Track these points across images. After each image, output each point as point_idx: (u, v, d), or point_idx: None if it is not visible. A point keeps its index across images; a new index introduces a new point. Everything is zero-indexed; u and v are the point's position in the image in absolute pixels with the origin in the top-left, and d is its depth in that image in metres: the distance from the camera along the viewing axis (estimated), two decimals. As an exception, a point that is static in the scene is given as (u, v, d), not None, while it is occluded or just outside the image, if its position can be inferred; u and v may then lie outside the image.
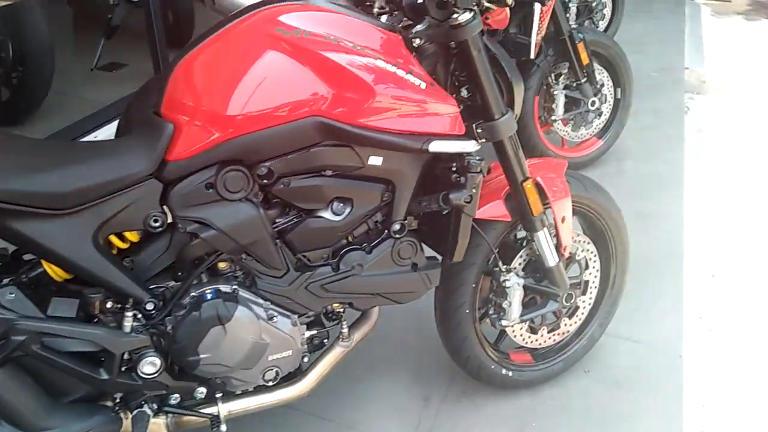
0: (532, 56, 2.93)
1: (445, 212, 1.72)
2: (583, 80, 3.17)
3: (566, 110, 3.26)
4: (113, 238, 1.53)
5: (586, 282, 2.11)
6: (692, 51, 5.01)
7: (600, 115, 3.35)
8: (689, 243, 2.99)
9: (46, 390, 1.47)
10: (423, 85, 1.54)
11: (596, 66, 3.25)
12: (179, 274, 1.59)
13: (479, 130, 1.69)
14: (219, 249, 1.56)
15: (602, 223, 2.08)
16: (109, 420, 1.54)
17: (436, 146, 1.56)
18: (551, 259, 1.93)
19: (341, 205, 1.61)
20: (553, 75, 3.17)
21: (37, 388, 1.44)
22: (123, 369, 1.52)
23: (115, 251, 1.55)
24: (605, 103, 3.34)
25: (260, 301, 1.63)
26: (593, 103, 3.27)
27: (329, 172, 1.56)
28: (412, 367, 2.30)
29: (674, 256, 2.88)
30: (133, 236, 1.55)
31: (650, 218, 3.12)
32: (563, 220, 1.91)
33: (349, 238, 1.70)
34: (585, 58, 3.11)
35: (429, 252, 1.82)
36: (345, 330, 1.81)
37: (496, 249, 1.91)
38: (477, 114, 1.70)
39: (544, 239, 1.89)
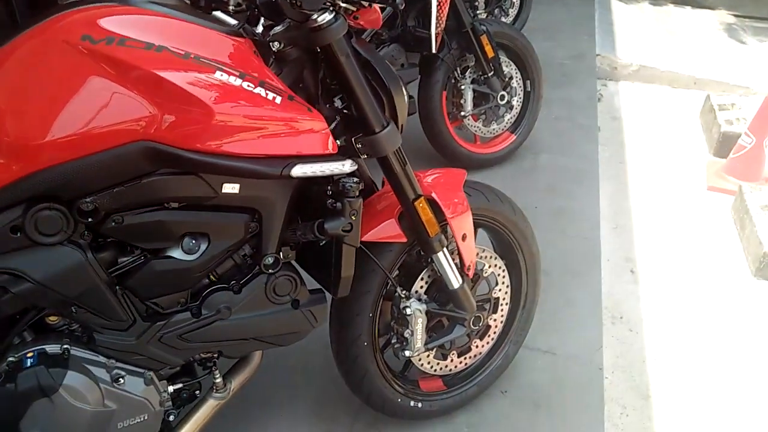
0: (434, 50, 2.73)
1: (324, 242, 1.48)
2: (490, 74, 3.00)
3: (476, 105, 3.08)
4: None
5: (496, 299, 1.92)
6: (603, 37, 4.96)
7: (511, 108, 3.19)
8: (606, 239, 2.87)
9: None
10: (278, 99, 1.28)
11: (503, 58, 3.09)
12: None
13: (359, 145, 1.46)
14: (38, 304, 1.27)
15: (509, 235, 1.90)
16: None
17: (299, 170, 1.31)
18: (454, 281, 1.72)
19: (194, 241, 1.34)
20: (459, 69, 2.98)
21: None
22: None
23: None
24: (515, 96, 3.18)
25: (101, 359, 1.34)
26: (502, 96, 3.10)
27: (174, 204, 1.29)
28: (313, 399, 2.05)
29: (592, 255, 2.76)
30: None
31: (566, 215, 2.99)
32: (464, 237, 1.70)
33: (212, 276, 1.44)
34: (490, 51, 2.94)
35: (313, 283, 1.58)
36: (219, 380, 1.55)
37: (393, 273, 1.69)
38: (356, 127, 1.47)
39: (444, 260, 1.69)
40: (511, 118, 3.24)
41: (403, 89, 1.52)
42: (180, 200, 1.29)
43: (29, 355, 1.27)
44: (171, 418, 1.47)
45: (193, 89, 1.20)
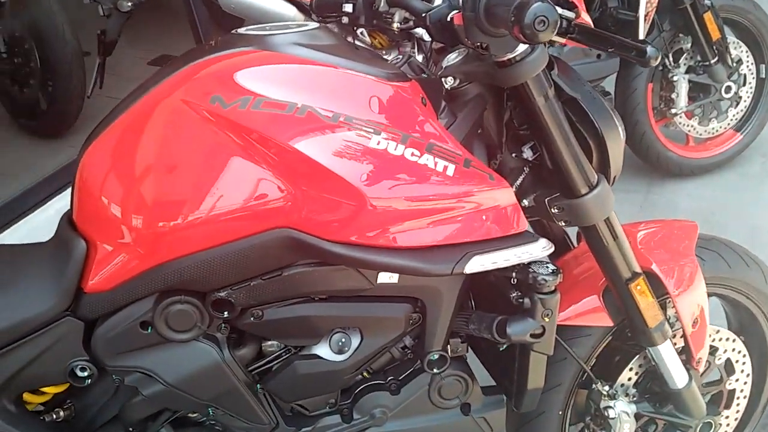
0: (642, 35, 2.20)
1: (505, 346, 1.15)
2: (712, 60, 2.37)
3: (691, 99, 2.49)
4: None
5: (731, 392, 1.46)
6: None
7: (738, 102, 2.55)
8: None
9: None
10: (451, 169, 0.96)
11: (731, 39, 2.44)
12: (131, 430, 1.15)
13: (555, 210, 1.09)
14: (171, 407, 1.10)
15: (754, 307, 1.42)
16: None
17: (477, 264, 0.98)
18: (678, 379, 1.30)
19: (344, 339, 1.09)
20: (671, 56, 2.41)
21: None
22: None
23: (47, 397, 1.13)
24: (745, 86, 2.52)
25: (242, 466, 1.16)
26: (728, 88, 2.47)
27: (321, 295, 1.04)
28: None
29: None
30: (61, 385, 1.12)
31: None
32: (696, 323, 1.27)
33: (365, 373, 1.18)
34: (715, 32, 2.32)
35: (488, 378, 1.26)
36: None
37: (590, 362, 1.31)
38: (550, 182, 1.10)
39: (666, 354, 1.27)
40: (737, 113, 2.59)
41: (620, 131, 1.12)
42: (327, 293, 1.04)
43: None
44: None
45: (342, 169, 0.92)
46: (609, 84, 2.45)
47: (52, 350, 1.03)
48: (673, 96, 2.46)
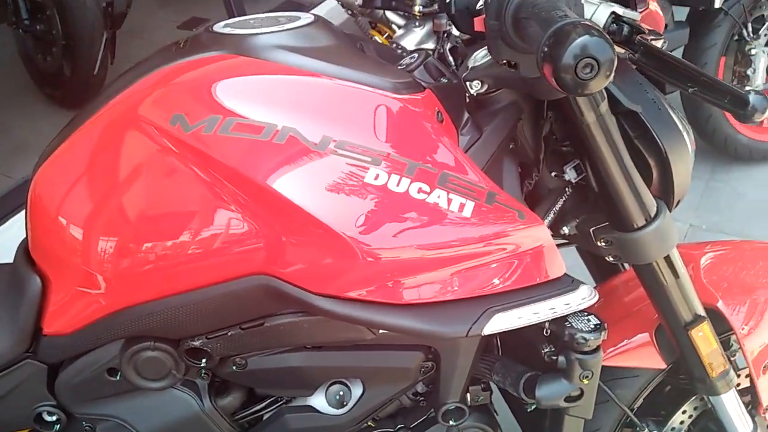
0: (718, 4, 1.91)
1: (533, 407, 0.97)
2: (800, 30, 2.07)
3: (769, 75, 2.19)
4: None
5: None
6: None
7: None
8: None
9: None
10: (469, 208, 0.77)
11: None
12: None
13: (603, 243, 0.90)
14: None
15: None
16: None
17: (496, 324, 0.80)
18: (740, 428, 1.11)
19: (343, 391, 0.93)
20: (749, 25, 2.09)
21: None
22: None
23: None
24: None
25: None
26: (817, 63, 2.16)
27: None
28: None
29: None
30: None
31: None
32: (765, 369, 1.06)
33: (371, 422, 1.03)
34: (805, -3, 2.01)
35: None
36: None
37: (636, 405, 1.13)
38: (597, 208, 0.91)
39: (729, 404, 1.07)
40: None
41: (690, 147, 0.91)
42: (323, 344, 0.88)
43: None
44: None
45: (329, 215, 0.74)
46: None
47: (16, 393, 0.91)
48: (749, 72, 2.17)
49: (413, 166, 0.76)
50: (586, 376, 0.88)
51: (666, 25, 2.00)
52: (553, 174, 0.94)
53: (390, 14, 1.17)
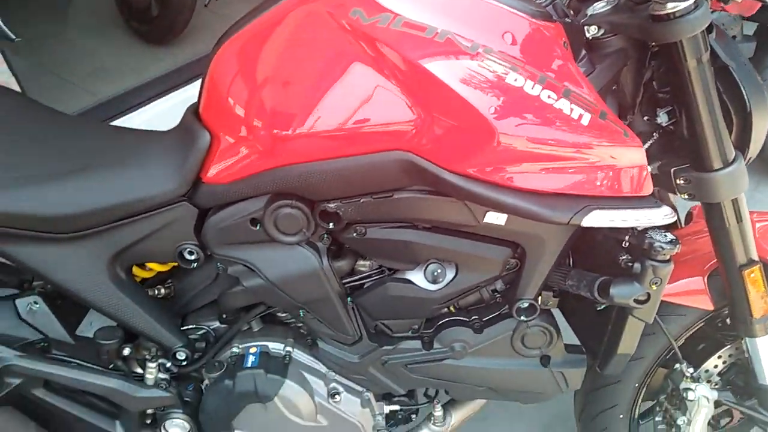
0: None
1: (603, 306, 1.13)
2: None
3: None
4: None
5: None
6: None
7: None
8: None
9: (57, 432, 1.23)
10: (586, 118, 0.93)
11: None
12: (224, 316, 1.23)
13: (680, 181, 1.04)
14: (267, 302, 1.16)
15: None
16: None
17: (595, 219, 0.96)
18: (770, 375, 1.25)
19: (439, 270, 1.10)
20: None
21: (41, 434, 1.20)
22: (147, 422, 1.23)
23: (152, 273, 1.22)
24: None
25: (322, 369, 1.22)
26: None
27: (424, 224, 1.06)
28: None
29: None
30: (166, 264, 1.20)
31: None
32: (803, 323, 1.20)
33: (452, 308, 1.20)
34: None
35: (572, 336, 1.26)
36: (439, 412, 1.35)
37: (678, 343, 1.27)
38: (680, 152, 1.05)
39: (764, 348, 1.22)
40: None
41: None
42: (433, 223, 1.05)
43: (252, 350, 1.19)
44: (381, 439, 1.32)
45: (476, 99, 0.90)
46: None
47: (166, 230, 1.08)
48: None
49: (543, 78, 0.92)
50: (656, 283, 1.04)
51: (734, 37, 2.12)
52: (645, 118, 1.08)
53: None
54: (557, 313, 1.24)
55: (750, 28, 2.26)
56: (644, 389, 1.35)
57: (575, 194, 0.95)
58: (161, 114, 2.18)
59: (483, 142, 0.92)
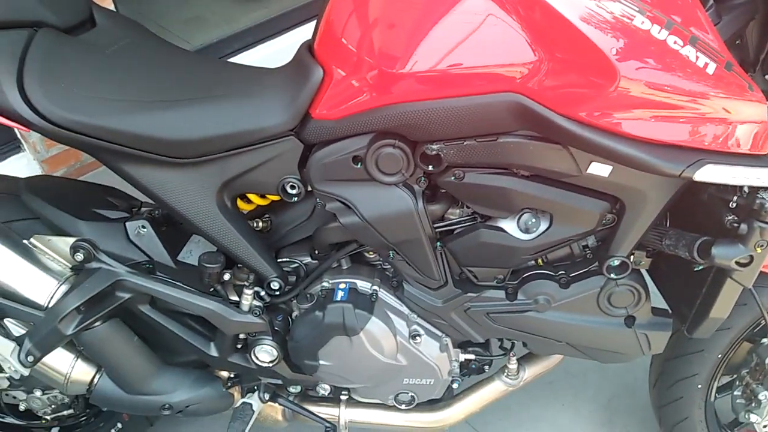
0: None
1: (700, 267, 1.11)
2: None
3: None
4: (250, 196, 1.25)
5: None
6: None
7: None
8: None
9: (156, 347, 1.32)
10: (711, 68, 0.91)
11: None
12: (316, 252, 1.28)
13: None
14: (360, 240, 1.20)
15: None
16: (218, 395, 1.35)
17: (708, 174, 0.94)
18: None
19: (533, 220, 1.11)
20: None
21: (145, 348, 1.29)
22: (238, 347, 1.30)
23: (252, 207, 1.28)
24: None
25: (405, 311, 1.26)
26: None
27: (523, 172, 1.06)
28: (601, 412, 1.77)
29: None
30: (266, 199, 1.26)
31: None
32: None
33: (540, 261, 1.21)
34: None
35: (658, 300, 1.25)
36: (513, 365, 1.37)
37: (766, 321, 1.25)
38: None
39: None
40: None
41: None
42: (531, 170, 1.06)
43: (342, 286, 1.24)
44: (455, 385, 1.35)
45: (599, 38, 0.89)
46: None
47: (272, 163, 1.13)
48: None
49: (670, 23, 0.90)
50: (761, 245, 1.01)
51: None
52: (766, 76, 1.05)
53: None
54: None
55: None
56: (730, 359, 1.33)
57: (689, 146, 0.94)
58: (281, 50, 2.22)
59: (602, 85, 0.91)
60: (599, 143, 0.94)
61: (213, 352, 1.29)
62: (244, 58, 2.28)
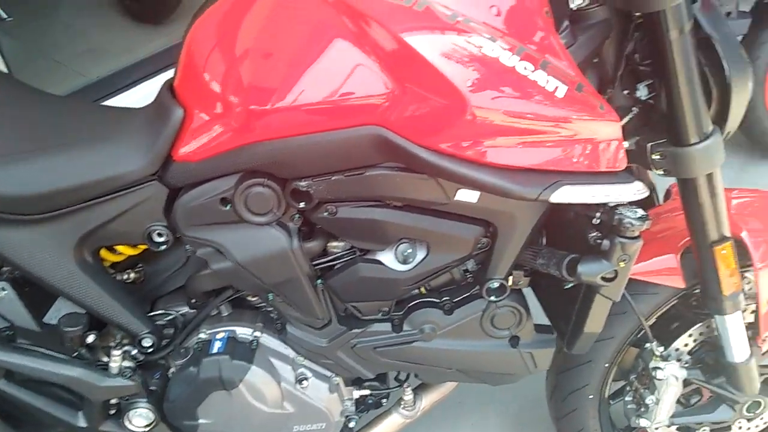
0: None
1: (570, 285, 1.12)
2: None
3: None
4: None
5: (791, 377, 1.40)
6: None
7: None
8: None
9: (20, 423, 1.20)
10: (561, 91, 0.91)
11: None
12: (193, 301, 1.21)
13: (656, 156, 1.03)
14: (235, 285, 1.15)
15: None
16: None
17: (564, 195, 0.95)
18: (738, 353, 1.26)
19: (410, 250, 1.09)
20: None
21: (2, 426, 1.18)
22: (110, 413, 1.21)
23: (122, 257, 1.20)
24: None
25: (289, 354, 1.20)
26: None
27: (396, 202, 1.04)
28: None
29: None
30: (136, 248, 1.18)
31: None
32: (771, 302, 1.21)
33: (422, 289, 1.19)
34: None
35: (542, 315, 1.25)
36: (409, 396, 1.34)
37: (650, 321, 1.28)
38: (658, 127, 1.04)
39: (733, 325, 1.22)
40: None
41: (751, 84, 1.03)
42: (404, 201, 1.04)
43: (219, 336, 1.17)
44: (351, 424, 1.31)
45: (450, 70, 0.89)
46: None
47: (135, 211, 1.06)
48: (801, 70, 2.26)
49: (522, 49, 0.90)
50: (624, 260, 1.03)
51: (729, 13, 2.11)
52: (625, 92, 1.06)
53: None
54: (530, 293, 1.25)
55: (747, 5, 2.25)
56: (615, 369, 1.36)
57: (547, 169, 0.94)
58: (151, 95, 2.15)
59: (455, 116, 0.90)
60: (460, 173, 0.94)
61: (81, 422, 1.18)
62: (145, 89, 2.17)
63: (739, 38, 2.21)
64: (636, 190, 0.99)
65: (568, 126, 0.93)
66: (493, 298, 1.14)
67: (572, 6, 0.99)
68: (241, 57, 0.97)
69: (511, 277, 1.14)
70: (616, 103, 1.06)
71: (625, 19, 1.00)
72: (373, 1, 0.91)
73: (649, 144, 1.03)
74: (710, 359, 1.34)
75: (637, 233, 1.02)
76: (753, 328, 1.27)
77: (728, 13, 2.06)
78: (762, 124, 2.33)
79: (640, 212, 1.02)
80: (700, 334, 1.33)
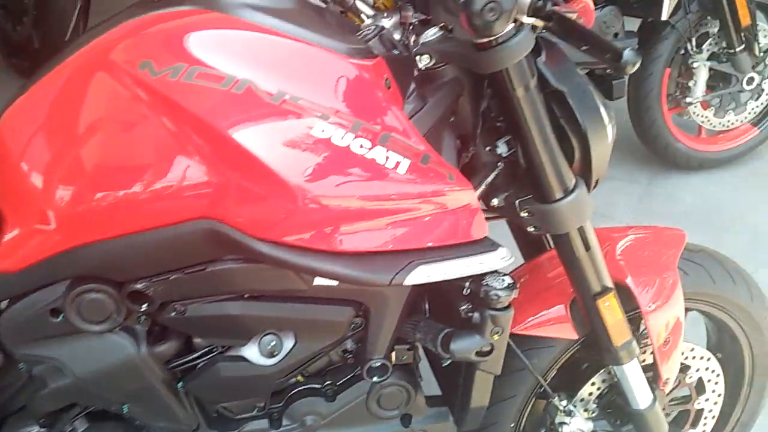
0: (665, 16, 2.03)
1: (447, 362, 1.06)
2: (738, 48, 2.20)
3: (709, 89, 2.33)
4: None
5: (699, 411, 1.37)
6: None
7: (759, 95, 2.37)
8: None
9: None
10: (404, 166, 0.85)
11: (762, 26, 2.25)
12: (41, 420, 1.08)
13: (525, 213, 0.99)
14: (80, 402, 1.03)
15: (735, 325, 1.31)
16: None
17: (419, 276, 0.88)
18: (641, 399, 1.21)
19: (275, 341, 1.00)
20: (693, 40, 2.23)
21: None
22: None
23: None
24: (768, 78, 2.35)
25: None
26: (750, 80, 2.30)
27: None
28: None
29: None
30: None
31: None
32: (667, 342, 1.17)
33: (300, 377, 1.10)
34: (745, 17, 2.14)
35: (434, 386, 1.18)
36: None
37: (550, 376, 1.22)
38: (523, 182, 0.99)
39: (631, 374, 1.17)
40: (757, 107, 2.42)
41: (609, 131, 1.00)
42: (258, 293, 0.95)
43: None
44: None
45: (275, 161, 0.82)
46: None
47: None
48: (690, 84, 2.30)
49: (358, 124, 0.83)
50: (497, 332, 0.97)
51: (617, 34, 2.12)
52: (487, 148, 1.02)
53: (360, 4, 1.23)
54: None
55: (633, 25, 2.27)
56: (524, 425, 1.29)
57: (401, 250, 0.87)
58: None
59: (287, 207, 0.83)
60: (305, 265, 0.87)
61: None
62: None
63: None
64: (500, 258, 0.93)
65: (415, 202, 0.86)
66: (375, 378, 1.06)
67: (420, 66, 0.94)
68: (52, 154, 0.88)
69: (393, 354, 1.06)
70: (481, 160, 1.02)
71: (477, 75, 0.95)
72: (184, 87, 0.82)
73: (517, 201, 0.99)
74: (620, 401, 1.29)
75: (506, 303, 0.96)
76: (653, 370, 1.23)
77: (616, 34, 2.07)
78: (664, 137, 2.35)
79: (507, 281, 0.96)
80: (603, 381, 1.28)
